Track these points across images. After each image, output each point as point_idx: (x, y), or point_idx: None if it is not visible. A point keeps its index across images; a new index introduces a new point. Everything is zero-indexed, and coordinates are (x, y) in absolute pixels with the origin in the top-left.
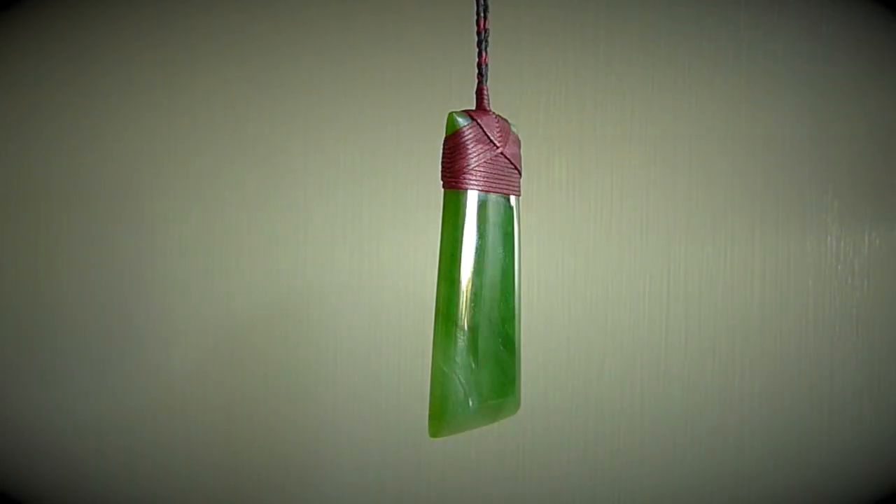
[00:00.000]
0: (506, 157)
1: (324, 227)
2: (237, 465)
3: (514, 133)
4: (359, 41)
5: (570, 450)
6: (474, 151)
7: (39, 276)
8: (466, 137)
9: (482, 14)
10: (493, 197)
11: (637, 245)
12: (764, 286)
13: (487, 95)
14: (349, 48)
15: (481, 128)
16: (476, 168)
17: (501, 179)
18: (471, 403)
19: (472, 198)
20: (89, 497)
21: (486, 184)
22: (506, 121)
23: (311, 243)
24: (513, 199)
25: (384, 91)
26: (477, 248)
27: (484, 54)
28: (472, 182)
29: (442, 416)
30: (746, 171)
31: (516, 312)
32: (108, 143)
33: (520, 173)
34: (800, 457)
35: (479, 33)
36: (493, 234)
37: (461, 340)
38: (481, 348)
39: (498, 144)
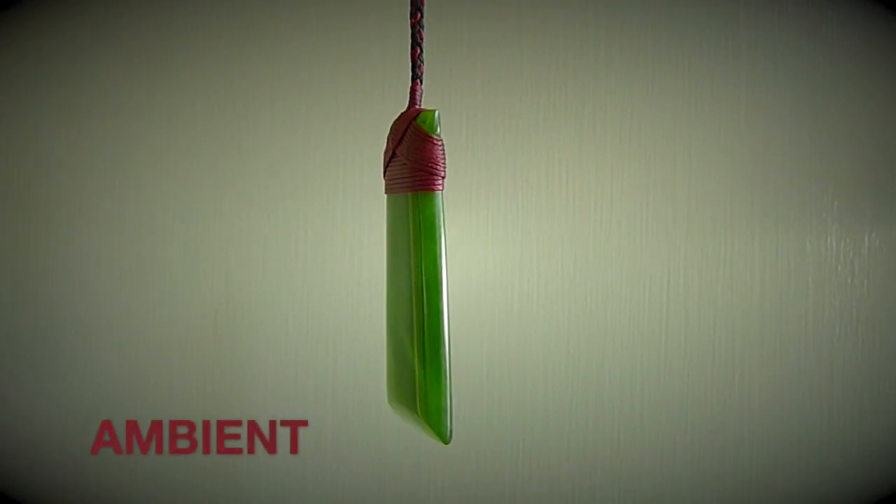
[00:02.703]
0: (397, 155)
1: (323, 226)
2: (237, 466)
3: (419, 128)
4: (360, 38)
5: (570, 450)
6: (384, 157)
7: (38, 275)
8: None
9: (416, 6)
10: (397, 198)
11: (637, 245)
12: (764, 286)
13: (420, 93)
14: (350, 44)
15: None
16: (385, 172)
17: (396, 179)
18: (386, 394)
19: (386, 203)
20: (89, 497)
21: (390, 186)
22: (414, 114)
23: (310, 242)
24: (437, 196)
25: (385, 89)
26: (387, 252)
27: (412, 50)
28: (386, 187)
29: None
30: (746, 171)
31: (413, 319)
32: (107, 142)
33: (422, 168)
34: (800, 457)
35: (412, 27)
36: (395, 237)
37: (386, 337)
38: (394, 349)
39: (391, 144)
